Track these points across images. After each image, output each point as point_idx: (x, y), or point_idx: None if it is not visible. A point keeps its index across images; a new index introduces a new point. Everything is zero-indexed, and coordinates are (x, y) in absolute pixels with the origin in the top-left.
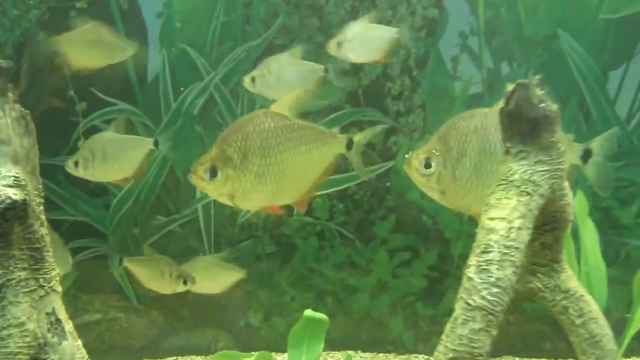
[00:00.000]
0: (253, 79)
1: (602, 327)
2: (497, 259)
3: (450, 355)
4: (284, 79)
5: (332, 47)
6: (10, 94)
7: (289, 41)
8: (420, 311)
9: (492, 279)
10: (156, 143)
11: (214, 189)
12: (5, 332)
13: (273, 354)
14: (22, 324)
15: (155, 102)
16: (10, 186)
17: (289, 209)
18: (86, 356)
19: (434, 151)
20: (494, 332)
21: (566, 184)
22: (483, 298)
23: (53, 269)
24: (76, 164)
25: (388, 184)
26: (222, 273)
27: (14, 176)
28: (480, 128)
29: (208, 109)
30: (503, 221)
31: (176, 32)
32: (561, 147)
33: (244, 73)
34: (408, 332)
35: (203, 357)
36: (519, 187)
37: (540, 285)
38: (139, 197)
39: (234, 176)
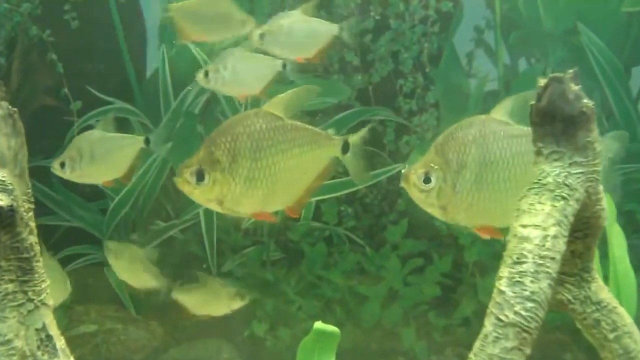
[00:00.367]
0: (206, 74)
1: (638, 342)
2: (532, 270)
3: None
4: (238, 74)
5: (253, 38)
6: None
7: None
8: (433, 321)
9: (527, 293)
10: (147, 141)
11: (201, 194)
12: None
13: None
14: (9, 341)
15: (154, 101)
16: None
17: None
18: None
19: (432, 164)
20: (528, 351)
21: (601, 187)
22: (516, 313)
23: (43, 280)
24: (62, 164)
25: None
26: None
27: (0, 180)
28: (479, 137)
29: (210, 108)
30: (537, 229)
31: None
32: (597, 147)
33: None
34: (420, 342)
35: None
36: (553, 191)
37: (569, 297)
38: (137, 201)
39: (222, 180)
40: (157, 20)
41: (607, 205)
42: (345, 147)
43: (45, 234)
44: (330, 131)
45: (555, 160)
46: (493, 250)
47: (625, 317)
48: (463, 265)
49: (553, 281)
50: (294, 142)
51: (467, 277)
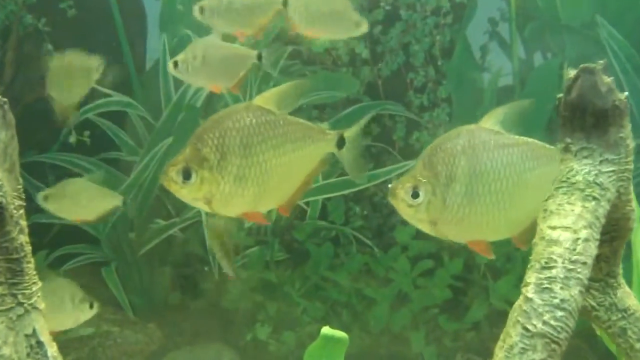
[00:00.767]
0: (175, 64)
1: None
2: (562, 276)
3: None
4: (209, 65)
5: (196, 12)
6: None
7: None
8: (443, 325)
9: (556, 300)
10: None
11: (189, 193)
12: None
13: None
14: None
15: (154, 94)
16: None
17: (301, 211)
18: None
19: (421, 178)
20: None
21: (631, 187)
22: (545, 323)
23: (34, 282)
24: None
25: None
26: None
27: None
28: (468, 148)
29: (213, 101)
30: (567, 231)
31: (178, 15)
32: (630, 144)
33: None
34: (430, 347)
35: None
36: (583, 190)
37: (593, 304)
38: (136, 198)
39: (210, 179)
40: (158, 9)
41: None
42: (341, 142)
43: (39, 232)
44: (324, 125)
45: (585, 157)
46: (506, 252)
47: None
48: (474, 267)
49: (584, 288)
50: (286, 137)
51: (479, 279)
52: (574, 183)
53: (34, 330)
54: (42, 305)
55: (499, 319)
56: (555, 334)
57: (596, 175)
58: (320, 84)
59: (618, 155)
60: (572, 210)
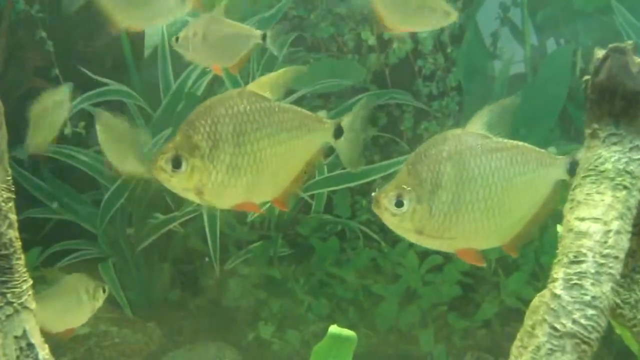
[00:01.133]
0: (177, 40)
1: None
2: (592, 271)
3: None
4: (209, 42)
5: (172, 41)
6: None
7: (307, 12)
8: (453, 323)
9: (587, 298)
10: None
11: (178, 183)
12: None
13: None
14: None
15: (153, 82)
16: None
17: (306, 205)
18: None
19: (405, 186)
20: None
21: None
22: (575, 322)
23: (24, 280)
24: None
25: None
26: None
27: None
28: (454, 153)
29: (214, 89)
30: (597, 222)
31: None
32: None
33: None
34: (439, 346)
35: None
36: (612, 179)
37: (618, 301)
38: (134, 192)
39: (202, 167)
40: None
41: None
42: (338, 132)
43: (33, 228)
44: (322, 113)
45: (614, 144)
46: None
47: None
48: (485, 262)
49: (616, 284)
50: (281, 125)
51: (490, 275)
52: (603, 171)
53: (24, 332)
54: (33, 305)
55: (510, 316)
56: (586, 333)
57: (626, 163)
58: (325, 72)
59: None
60: (602, 201)
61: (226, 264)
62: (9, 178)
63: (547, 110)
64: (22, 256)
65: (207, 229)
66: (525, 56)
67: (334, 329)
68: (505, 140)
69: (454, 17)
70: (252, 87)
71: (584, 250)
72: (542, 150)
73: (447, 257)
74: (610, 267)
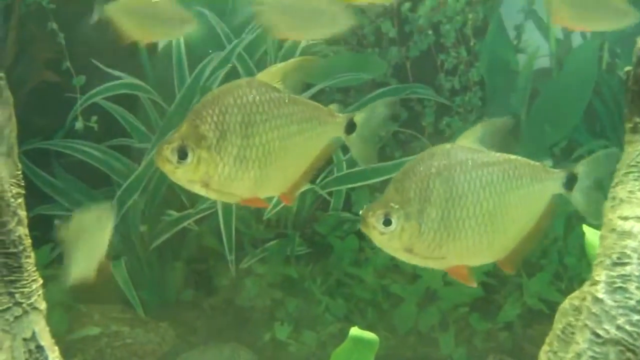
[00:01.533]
0: None
1: None
2: (637, 273)
3: None
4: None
5: None
6: None
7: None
8: (474, 325)
9: (632, 302)
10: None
11: (184, 174)
12: None
13: None
14: None
15: (167, 76)
16: None
17: (324, 202)
18: None
19: (392, 204)
20: None
21: None
22: (619, 328)
23: (34, 280)
24: None
25: None
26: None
27: None
28: (443, 169)
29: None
30: None
31: None
32: None
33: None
34: (460, 349)
35: None
36: None
37: None
38: (147, 188)
39: (208, 159)
40: None
41: None
42: (351, 127)
43: (44, 225)
44: (333, 107)
45: None
46: (542, 246)
47: None
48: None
49: None
50: (291, 117)
51: (512, 276)
52: None
53: (34, 334)
54: (43, 305)
55: (533, 318)
56: (631, 340)
57: None
58: (345, 66)
59: None
60: None
61: (241, 262)
62: (18, 172)
63: (572, 106)
64: (32, 254)
65: (222, 227)
66: (550, 50)
67: (355, 331)
68: (498, 154)
69: (634, 17)
70: (262, 76)
71: (628, 252)
72: (537, 164)
73: None
74: None
